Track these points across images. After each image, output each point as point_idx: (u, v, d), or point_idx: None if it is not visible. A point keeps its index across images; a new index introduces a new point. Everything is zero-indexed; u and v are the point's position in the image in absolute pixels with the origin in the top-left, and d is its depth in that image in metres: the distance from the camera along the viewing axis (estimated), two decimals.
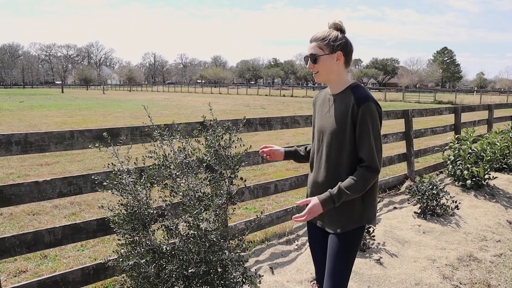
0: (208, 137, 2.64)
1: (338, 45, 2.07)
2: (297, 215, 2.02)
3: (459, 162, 6.21)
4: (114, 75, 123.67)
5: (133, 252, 2.31)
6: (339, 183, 2.04)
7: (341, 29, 2.12)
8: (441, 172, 7.65)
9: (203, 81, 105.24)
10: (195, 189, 2.39)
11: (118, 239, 2.38)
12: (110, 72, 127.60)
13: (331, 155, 2.12)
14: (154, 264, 2.30)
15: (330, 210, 2.12)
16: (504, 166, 7.39)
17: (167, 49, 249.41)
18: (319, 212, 2.02)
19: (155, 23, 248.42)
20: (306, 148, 2.50)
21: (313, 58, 2.10)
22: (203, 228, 2.25)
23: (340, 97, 2.13)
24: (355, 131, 2.05)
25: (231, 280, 2.37)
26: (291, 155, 2.49)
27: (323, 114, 2.19)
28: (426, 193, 4.98)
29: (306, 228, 2.49)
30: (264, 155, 2.49)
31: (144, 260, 2.23)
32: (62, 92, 57.70)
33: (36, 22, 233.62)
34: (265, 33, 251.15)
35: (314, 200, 2.03)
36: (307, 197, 2.32)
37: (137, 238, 2.36)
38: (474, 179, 6.01)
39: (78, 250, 4.30)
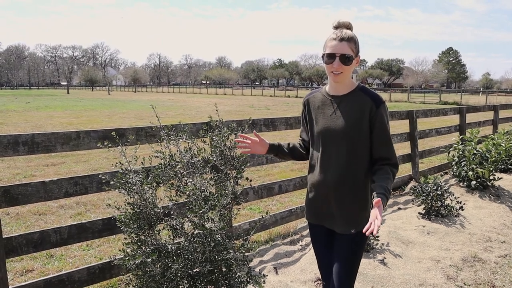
0: (214, 138, 2.66)
1: (359, 47, 2.07)
2: (372, 226, 1.79)
3: (464, 163, 6.20)
4: (119, 76, 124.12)
5: (139, 251, 2.34)
6: (380, 183, 1.97)
7: (351, 30, 2.10)
8: (446, 173, 7.64)
9: (207, 82, 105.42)
10: (202, 188, 2.41)
11: (125, 238, 2.41)
12: (115, 73, 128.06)
13: (341, 155, 2.10)
14: (160, 263, 2.32)
15: (343, 211, 2.12)
16: (509, 167, 7.37)
17: (172, 50, 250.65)
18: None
19: (160, 23, 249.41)
20: (289, 144, 2.44)
21: (348, 60, 2.02)
22: (208, 228, 2.27)
23: (348, 98, 2.12)
24: (369, 130, 2.07)
25: (236, 279, 2.39)
26: (274, 149, 2.38)
27: (327, 116, 2.15)
28: (431, 193, 4.97)
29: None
30: (241, 148, 2.38)
31: (150, 259, 2.25)
32: (68, 93, 57.95)
33: (41, 22, 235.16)
34: (270, 33, 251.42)
35: (378, 202, 1.86)
36: (310, 199, 2.29)
37: (143, 237, 2.38)
38: (479, 180, 5.99)
39: (83, 250, 4.33)
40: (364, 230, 1.81)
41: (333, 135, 2.12)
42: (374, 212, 1.85)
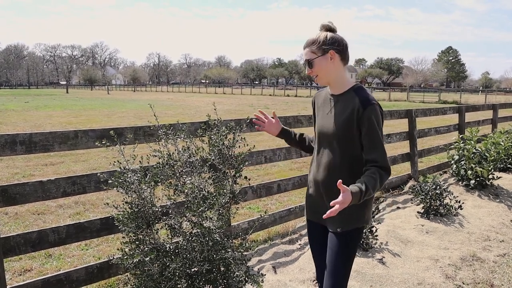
0: (212, 137, 2.66)
1: (328, 44, 2.08)
2: (331, 210, 1.84)
3: (463, 162, 6.20)
4: (118, 75, 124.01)
5: (137, 251, 2.33)
6: (364, 181, 1.94)
7: (331, 29, 2.13)
8: (445, 172, 7.63)
9: (207, 81, 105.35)
10: (200, 187, 2.41)
11: (123, 237, 2.40)
12: (115, 73, 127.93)
13: (331, 155, 2.13)
14: (158, 262, 2.32)
15: None
16: (508, 166, 7.37)
17: (171, 49, 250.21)
18: (348, 202, 1.86)
19: (160, 23, 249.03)
20: (301, 134, 2.52)
21: (309, 64, 2.13)
22: (206, 227, 2.26)
23: (342, 98, 2.13)
24: (358, 132, 2.06)
25: (234, 279, 2.39)
26: (285, 134, 2.49)
27: (325, 115, 2.19)
28: (430, 193, 4.97)
29: None
30: (257, 125, 2.48)
31: (148, 258, 2.25)
32: (67, 92, 57.81)
33: (41, 22, 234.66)
34: (270, 33, 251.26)
35: (347, 190, 1.86)
36: (308, 195, 2.34)
37: (141, 236, 2.38)
38: (478, 179, 5.99)
39: (82, 249, 4.33)
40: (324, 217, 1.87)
41: (327, 133, 2.16)
42: (341, 196, 1.84)
